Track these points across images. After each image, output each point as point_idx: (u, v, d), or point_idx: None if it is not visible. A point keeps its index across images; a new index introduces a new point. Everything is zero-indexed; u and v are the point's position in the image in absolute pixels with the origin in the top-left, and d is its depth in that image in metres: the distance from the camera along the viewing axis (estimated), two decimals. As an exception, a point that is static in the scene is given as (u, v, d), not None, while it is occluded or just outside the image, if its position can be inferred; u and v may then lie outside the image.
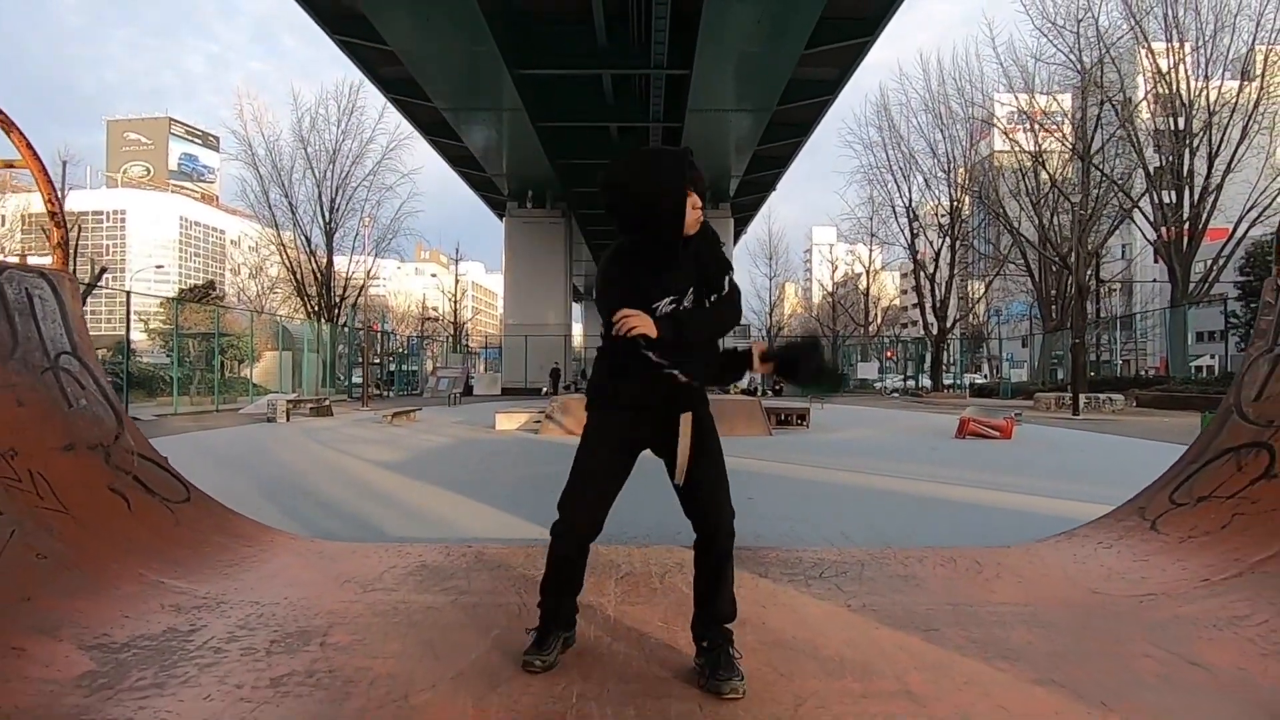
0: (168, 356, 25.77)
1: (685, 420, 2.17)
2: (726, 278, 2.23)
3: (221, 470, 7.90)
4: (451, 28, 20.28)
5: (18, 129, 3.80)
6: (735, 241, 45.55)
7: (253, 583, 3.09)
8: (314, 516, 5.31)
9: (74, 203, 37.09)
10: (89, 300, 26.41)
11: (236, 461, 8.89)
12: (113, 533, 3.10)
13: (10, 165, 3.87)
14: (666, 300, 2.14)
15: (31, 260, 3.93)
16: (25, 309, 3.47)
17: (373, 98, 31.09)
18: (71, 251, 27.27)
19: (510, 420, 14.03)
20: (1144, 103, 29.08)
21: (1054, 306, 33.93)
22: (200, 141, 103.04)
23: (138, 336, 30.97)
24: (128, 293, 20.27)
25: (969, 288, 50.30)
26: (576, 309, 57.09)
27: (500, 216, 41.01)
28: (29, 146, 3.79)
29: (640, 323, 2.02)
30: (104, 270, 30.20)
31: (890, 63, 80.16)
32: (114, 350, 23.88)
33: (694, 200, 2.12)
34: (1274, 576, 2.72)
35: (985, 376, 45.43)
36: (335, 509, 5.62)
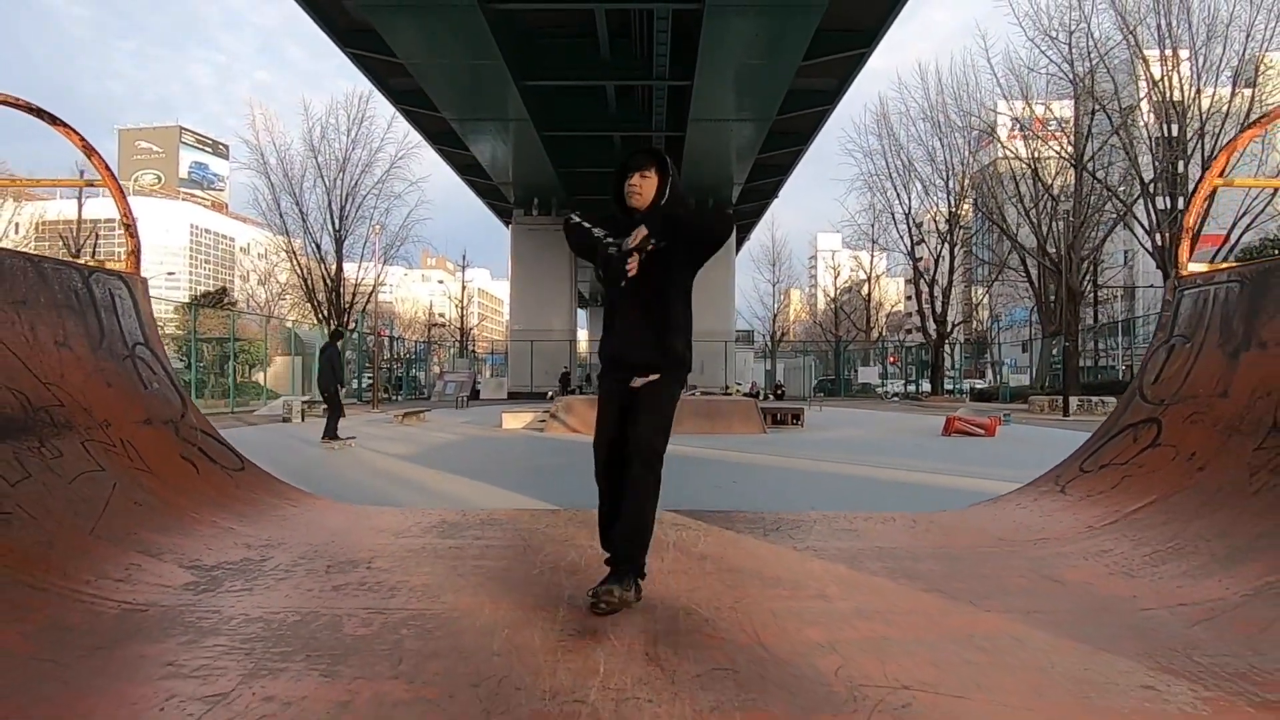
0: (181, 360, 26.49)
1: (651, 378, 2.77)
2: (706, 201, 2.84)
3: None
4: (458, 41, 21.01)
5: (98, 153, 4.47)
6: (738, 249, 46.15)
7: (304, 531, 3.72)
8: (343, 494, 5.94)
9: (89, 211, 37.99)
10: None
11: (261, 453, 9.54)
12: (188, 490, 3.75)
13: (91, 184, 4.53)
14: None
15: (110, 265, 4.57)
16: (109, 306, 4.13)
17: (382, 107, 31.77)
18: (91, 258, 27.93)
19: (516, 420, 14.67)
20: (1137, 110, 29.64)
21: (1054, 311, 34.43)
22: (210, 150, 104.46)
23: (152, 341, 31.65)
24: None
25: (971, 294, 50.87)
26: (581, 315, 57.76)
27: (506, 224, 41.73)
28: (108, 168, 4.46)
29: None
30: (121, 277, 30.90)
31: (889, 72, 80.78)
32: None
33: (635, 179, 2.83)
34: (1140, 522, 3.33)
35: (987, 382, 45.94)
36: (360, 488, 6.25)
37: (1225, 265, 4.41)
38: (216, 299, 36.70)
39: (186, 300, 38.59)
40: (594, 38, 23.15)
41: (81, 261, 4.37)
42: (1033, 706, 1.81)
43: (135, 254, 4.52)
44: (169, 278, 63.24)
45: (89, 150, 4.43)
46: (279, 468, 7.49)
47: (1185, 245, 4.38)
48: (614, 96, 26.85)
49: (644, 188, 2.83)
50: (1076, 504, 3.83)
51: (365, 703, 1.80)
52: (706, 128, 27.05)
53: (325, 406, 11.75)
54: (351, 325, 35.63)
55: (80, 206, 32.93)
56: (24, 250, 3.78)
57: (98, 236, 32.93)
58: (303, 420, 16.60)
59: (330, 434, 11.02)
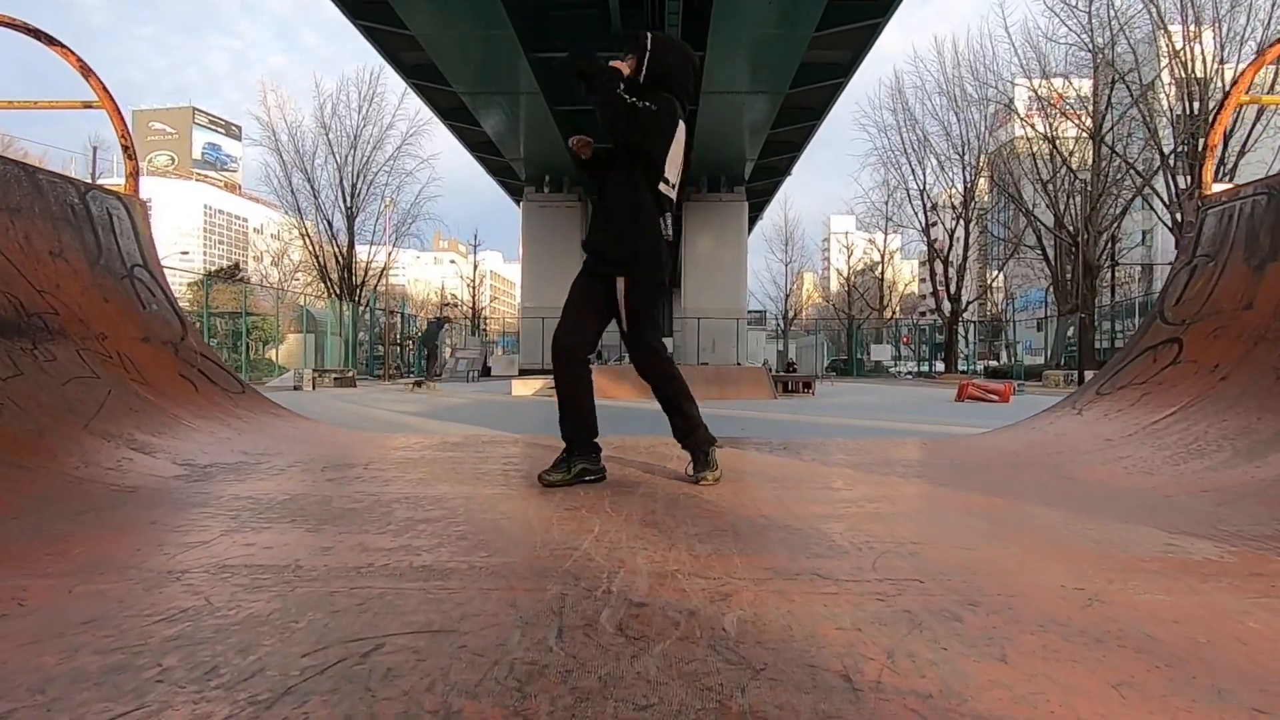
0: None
1: (619, 284, 2.73)
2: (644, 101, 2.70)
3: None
4: (469, 12, 20.83)
5: (95, 74, 4.40)
6: (750, 227, 45.81)
7: (303, 444, 3.67)
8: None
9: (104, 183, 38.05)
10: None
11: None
12: (186, 403, 3.69)
13: (89, 105, 4.46)
14: None
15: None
16: (107, 224, 4.07)
17: (393, 83, 31.69)
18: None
19: (526, 386, 14.63)
20: (1158, 82, 29.11)
21: (1070, 290, 34.04)
22: (223, 131, 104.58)
23: (166, 318, 31.81)
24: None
25: (986, 274, 50.37)
26: (593, 295, 57.28)
27: (518, 202, 41.59)
28: (105, 89, 4.39)
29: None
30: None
31: (905, 50, 79.79)
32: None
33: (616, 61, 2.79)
34: (1160, 430, 3.22)
35: (1001, 362, 45.54)
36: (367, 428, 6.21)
37: (1251, 182, 4.26)
38: (230, 274, 36.83)
39: (200, 277, 38.77)
40: (605, 9, 22.89)
41: (80, 178, 4.31)
42: (1050, 555, 1.72)
43: (134, 176, 4.45)
44: (183, 257, 63.54)
45: (86, 71, 4.36)
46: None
47: (1209, 165, 4.23)
48: (626, 70, 26.60)
49: (622, 67, 2.76)
50: (1093, 422, 3.72)
51: (348, 549, 1.73)
52: (719, 101, 26.75)
53: (335, 377, 12.08)
54: (363, 303, 35.72)
55: (93, 171, 32.81)
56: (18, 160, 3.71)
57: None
58: (313, 389, 16.63)
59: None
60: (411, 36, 23.30)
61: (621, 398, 13.02)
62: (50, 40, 4.34)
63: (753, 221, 47.60)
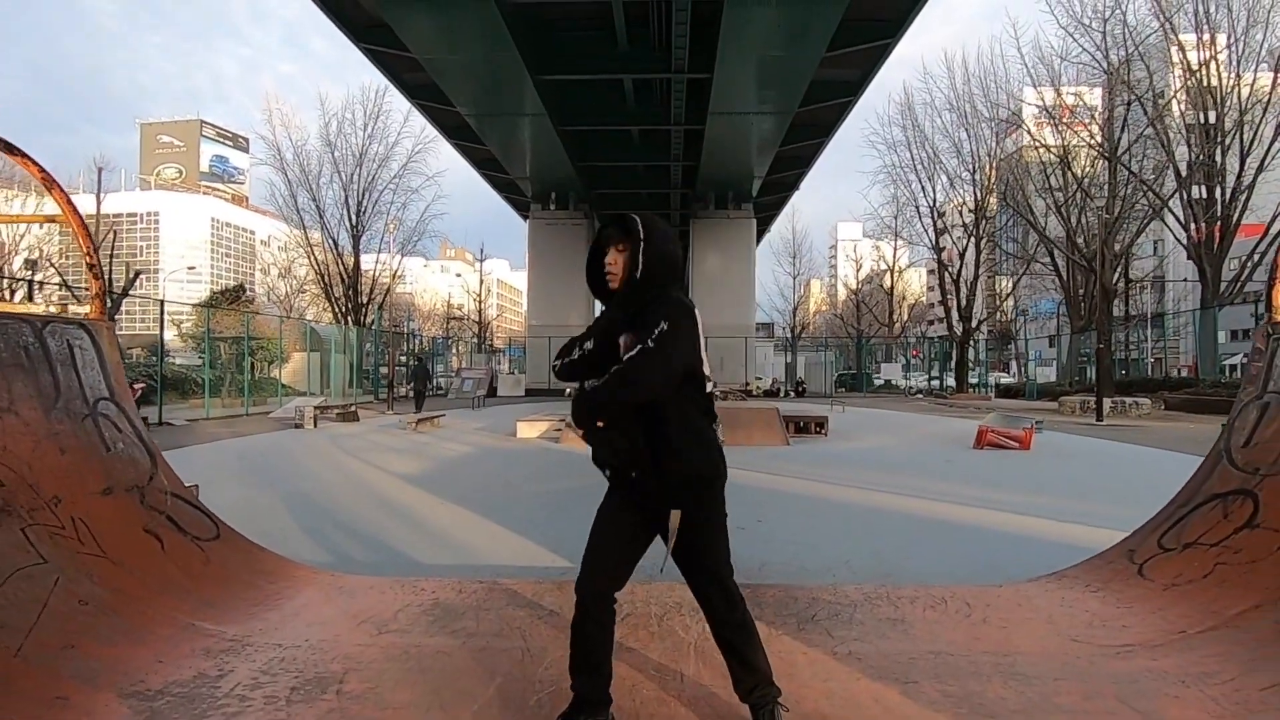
0: (200, 358, 26.38)
1: (674, 516, 2.25)
2: (656, 323, 2.19)
3: (251, 483, 8.20)
4: (473, 35, 20.58)
5: (58, 185, 4.05)
6: (758, 241, 45.43)
7: (277, 622, 3.30)
8: (335, 539, 5.55)
9: (109, 205, 37.96)
10: (123, 304, 27.14)
11: (266, 473, 9.20)
12: (148, 573, 3.33)
13: (52, 220, 4.11)
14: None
15: (71, 309, 4.18)
16: (67, 359, 3.71)
17: (398, 101, 31.43)
18: (108, 256, 27.86)
19: (531, 429, 14.26)
20: (1174, 100, 28.61)
21: (1082, 305, 33.56)
22: (230, 143, 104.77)
23: (170, 337, 31.75)
24: (161, 301, 20.80)
25: (996, 284, 49.84)
26: (599, 309, 57.14)
27: (524, 217, 41.35)
28: (69, 202, 4.04)
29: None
30: (138, 274, 30.98)
31: (914, 60, 79.13)
32: (148, 352, 24.46)
33: (610, 256, 2.35)
34: (1246, 631, 2.82)
35: (1013, 376, 44.97)
36: (356, 532, 5.85)
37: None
38: (233, 297, 36.63)
39: (205, 298, 38.58)
40: (611, 30, 22.61)
41: (39, 309, 3.96)
42: None
43: (100, 296, 4.11)
44: (190, 272, 63.54)
45: (49, 183, 4.01)
46: (273, 497, 7.14)
47: (1279, 288, 3.82)
48: (632, 90, 26.33)
49: (618, 264, 2.34)
50: (1159, 594, 3.32)
51: None
52: (727, 120, 26.45)
53: (337, 412, 11.78)
54: (369, 320, 35.48)
55: (99, 202, 32.60)
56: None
57: (115, 233, 32.80)
58: (314, 426, 16.31)
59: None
60: (415, 58, 23.06)
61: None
62: (11, 150, 3.99)
63: (760, 235, 47.25)
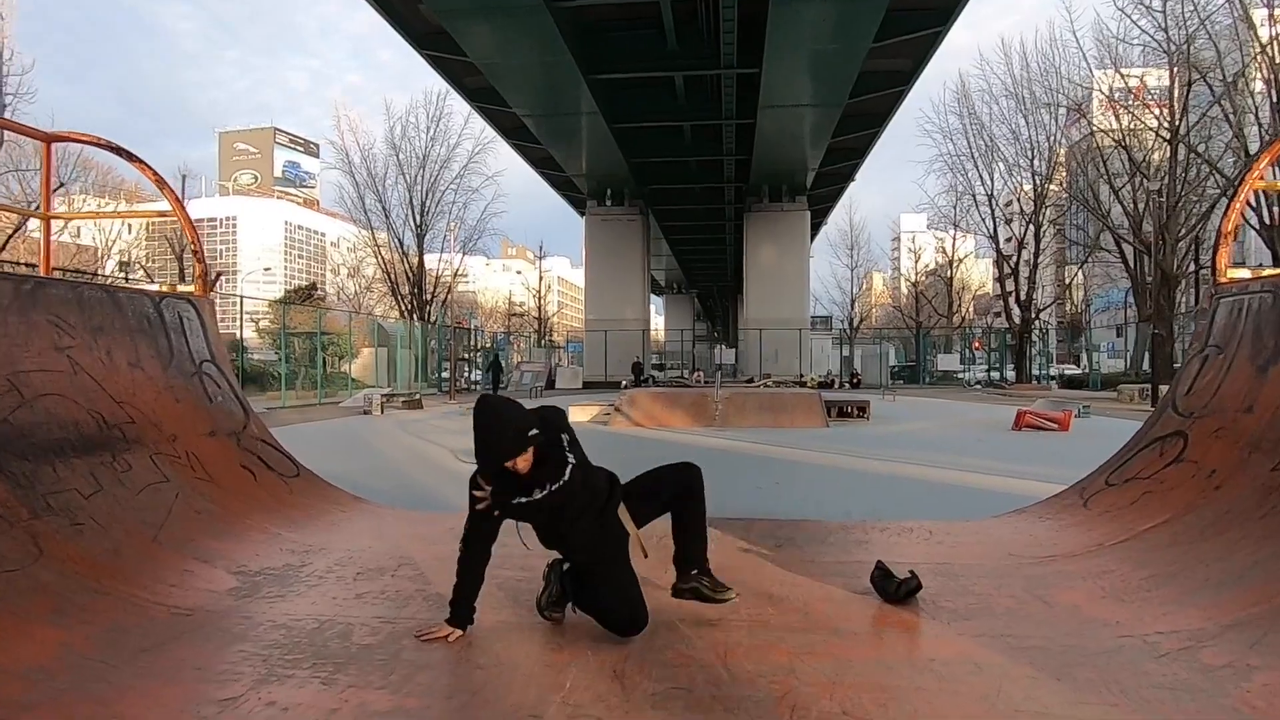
0: (276, 353, 28.03)
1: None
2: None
3: (325, 458, 9.12)
4: (527, 41, 21.46)
5: (169, 186, 4.89)
6: (814, 234, 45.40)
7: (345, 536, 4.05)
8: (396, 494, 6.33)
9: (192, 211, 40.20)
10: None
11: (339, 451, 10.14)
12: (245, 497, 4.12)
13: (163, 215, 4.96)
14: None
15: (180, 288, 5.02)
16: (178, 327, 4.54)
17: (458, 104, 32.56)
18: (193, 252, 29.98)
19: (583, 413, 15.00)
20: (1243, 77, 27.66)
21: (1149, 294, 32.67)
22: (302, 149, 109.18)
23: (249, 334, 33.72)
24: (240, 298, 22.27)
25: (1064, 274, 48.61)
26: (656, 302, 57.78)
27: (581, 214, 42.27)
28: (178, 200, 4.88)
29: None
30: (220, 275, 32.86)
31: (969, 48, 77.23)
32: (229, 348, 26.09)
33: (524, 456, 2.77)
34: (1149, 541, 3.30)
35: (1083, 368, 43.87)
36: (417, 490, 6.62)
37: (1267, 273, 4.23)
38: (306, 295, 38.49)
39: (280, 296, 40.68)
40: (661, 29, 23.20)
41: (154, 288, 4.81)
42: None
43: (203, 278, 4.94)
44: (266, 273, 66.62)
45: (161, 184, 4.86)
46: (345, 467, 8.00)
47: (1223, 251, 4.22)
48: (683, 87, 26.87)
49: (521, 465, 2.81)
50: (1094, 519, 3.79)
51: (350, 710, 2.04)
52: (777, 115, 26.76)
53: (403, 400, 12.63)
54: (434, 317, 36.89)
55: (183, 193, 34.72)
56: (102, 282, 4.20)
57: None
58: (381, 413, 17.39)
59: None
60: (473, 64, 24.06)
61: (674, 425, 13.29)
62: (130, 157, 4.84)
63: (816, 228, 47.17)
